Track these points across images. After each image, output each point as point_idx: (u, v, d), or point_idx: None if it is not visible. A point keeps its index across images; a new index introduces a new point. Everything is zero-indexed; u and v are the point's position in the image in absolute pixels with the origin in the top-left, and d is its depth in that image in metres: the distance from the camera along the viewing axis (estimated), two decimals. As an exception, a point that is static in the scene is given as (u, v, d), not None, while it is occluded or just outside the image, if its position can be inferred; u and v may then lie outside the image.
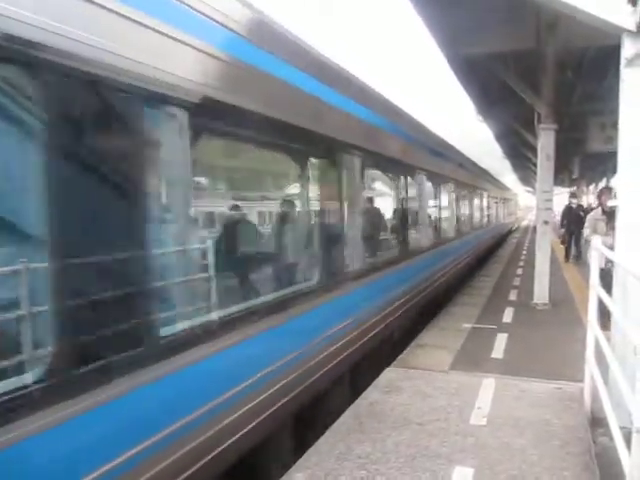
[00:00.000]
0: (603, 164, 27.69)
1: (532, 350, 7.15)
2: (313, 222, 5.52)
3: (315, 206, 5.41)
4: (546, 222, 10.40)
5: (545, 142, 10.19)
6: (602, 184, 36.85)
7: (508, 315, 9.35)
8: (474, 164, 17.93)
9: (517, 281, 13.50)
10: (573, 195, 19.54)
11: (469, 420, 4.77)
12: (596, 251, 4.78)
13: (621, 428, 3.41)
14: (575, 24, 6.41)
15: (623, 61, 4.40)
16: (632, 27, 4.21)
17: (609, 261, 5.57)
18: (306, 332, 4.64)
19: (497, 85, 11.95)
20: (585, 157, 22.00)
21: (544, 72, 10.10)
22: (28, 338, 2.43)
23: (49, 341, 2.35)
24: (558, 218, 19.35)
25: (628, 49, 4.32)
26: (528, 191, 69.72)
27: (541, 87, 10.43)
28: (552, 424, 4.69)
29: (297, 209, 5.63)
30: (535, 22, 9.14)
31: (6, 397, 2.13)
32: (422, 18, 8.47)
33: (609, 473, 3.76)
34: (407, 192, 8.45)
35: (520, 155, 25.93)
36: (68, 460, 2.36)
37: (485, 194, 21.40)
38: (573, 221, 16.21)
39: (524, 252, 21.34)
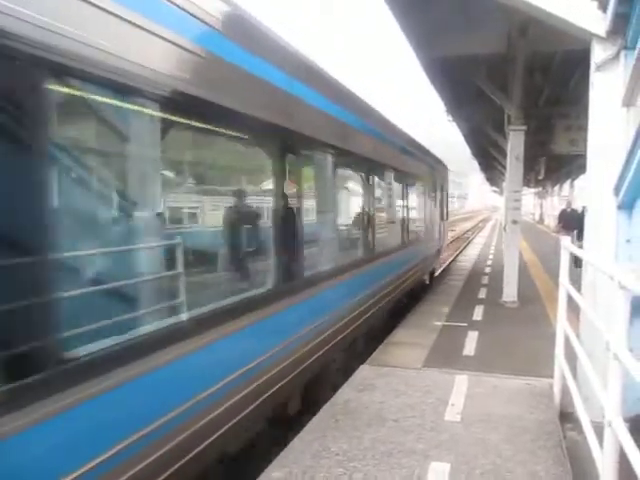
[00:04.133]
0: (568, 165, 28.42)
1: (502, 347, 7.30)
2: None
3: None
4: (515, 222, 10.63)
5: (515, 143, 10.41)
6: (567, 185, 37.87)
7: (478, 313, 9.51)
8: None
9: (485, 279, 13.75)
10: None
11: (443, 416, 4.84)
12: (565, 250, 4.90)
13: (591, 422, 3.51)
14: (545, 29, 6.58)
15: (593, 66, 4.53)
16: (602, 33, 4.35)
17: None
18: None
19: (467, 86, 12.15)
20: (551, 158, 22.53)
21: (514, 75, 10.31)
22: None
23: None
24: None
25: (598, 54, 4.45)
26: (495, 191, 71.13)
27: (511, 89, 10.65)
28: (524, 419, 4.79)
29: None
30: (506, 26, 9.33)
31: None
32: (396, 19, 8.54)
33: (579, 466, 3.88)
34: None
35: (488, 155, 26.38)
36: None
37: None
38: None
39: (491, 251, 21.75)
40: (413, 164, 10.86)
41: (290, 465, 3.95)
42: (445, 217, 16.61)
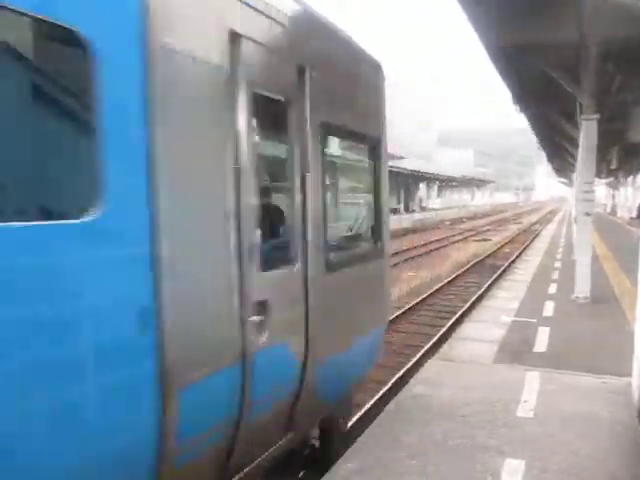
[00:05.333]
0: (643, 154, 26.97)
1: (576, 344, 7.08)
2: None
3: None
4: (587, 214, 10.23)
5: (588, 132, 10.02)
6: (641, 175, 35.94)
7: (548, 309, 9.25)
8: None
9: (555, 275, 13.30)
10: None
11: (515, 413, 4.78)
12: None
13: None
14: (617, 12, 6.33)
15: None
16: (686, 16, 4.15)
17: None
18: None
19: (535, 75, 11.76)
20: (624, 147, 21.46)
21: (586, 62, 9.90)
22: None
23: None
24: None
25: (681, 38, 4.25)
26: (562, 182, 68.46)
27: (582, 77, 10.24)
28: (599, 417, 4.67)
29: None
30: (576, 12, 8.97)
31: None
32: (464, 9, 8.40)
33: (662, 467, 3.75)
34: None
35: (556, 145, 25.40)
36: None
37: None
38: None
39: (561, 243, 21.00)
40: None
41: (363, 457, 4.03)
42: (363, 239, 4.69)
